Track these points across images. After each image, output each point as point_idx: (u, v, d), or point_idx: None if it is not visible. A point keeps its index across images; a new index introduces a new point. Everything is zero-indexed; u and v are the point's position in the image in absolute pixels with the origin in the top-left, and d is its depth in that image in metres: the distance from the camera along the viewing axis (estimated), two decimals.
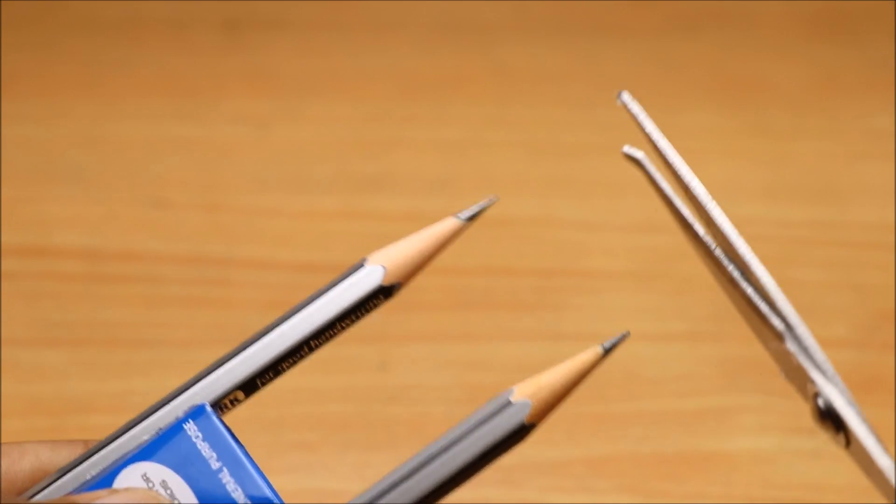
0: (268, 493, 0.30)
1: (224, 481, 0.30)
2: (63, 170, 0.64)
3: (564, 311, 0.58)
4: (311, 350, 0.32)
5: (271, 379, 0.32)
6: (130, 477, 0.30)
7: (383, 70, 0.70)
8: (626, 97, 0.34)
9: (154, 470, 0.30)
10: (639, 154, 0.34)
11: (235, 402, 0.32)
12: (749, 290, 0.32)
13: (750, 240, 0.66)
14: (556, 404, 0.31)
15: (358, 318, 0.32)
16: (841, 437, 0.30)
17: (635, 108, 0.34)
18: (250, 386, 0.32)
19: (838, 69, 0.70)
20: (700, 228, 0.34)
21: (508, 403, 0.30)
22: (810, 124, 0.67)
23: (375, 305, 0.32)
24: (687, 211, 0.34)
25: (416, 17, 0.73)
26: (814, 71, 0.70)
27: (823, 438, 0.53)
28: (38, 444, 0.31)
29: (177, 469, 0.30)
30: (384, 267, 0.32)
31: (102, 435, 0.31)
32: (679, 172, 0.33)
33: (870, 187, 0.63)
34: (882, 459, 0.28)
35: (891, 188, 0.63)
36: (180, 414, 0.31)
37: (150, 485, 0.30)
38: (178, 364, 0.56)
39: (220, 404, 0.31)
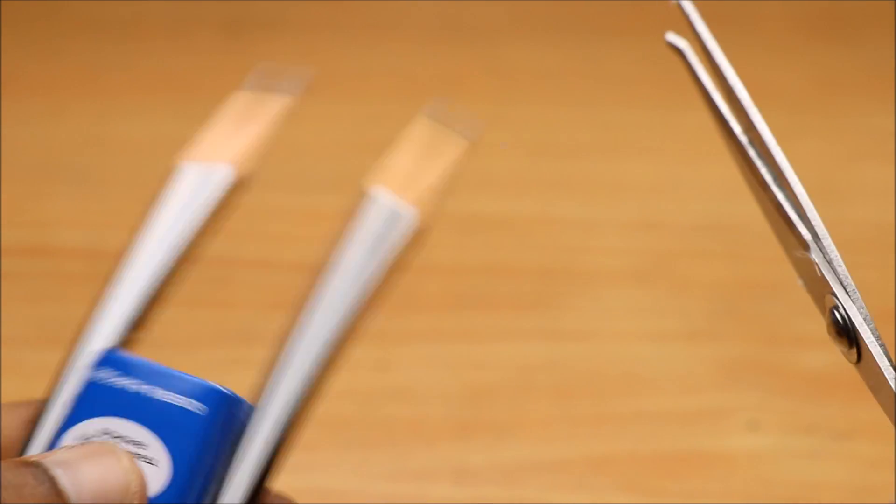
0: (207, 383, 0.29)
1: (163, 398, 0.29)
2: (63, 170, 0.64)
3: (564, 311, 0.58)
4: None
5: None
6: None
7: (383, 70, 0.70)
8: None
9: (91, 426, 0.30)
10: (681, 43, 0.34)
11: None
12: (780, 196, 0.32)
13: (750, 240, 0.66)
14: None
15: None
16: (853, 353, 0.30)
17: (689, 6, 0.33)
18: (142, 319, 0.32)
19: (838, 69, 0.70)
20: (737, 126, 0.33)
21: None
22: (810, 124, 0.67)
23: None
24: (726, 108, 0.34)
25: (416, 17, 0.73)
26: (814, 71, 0.70)
27: (822, 438, 0.53)
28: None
29: (113, 413, 0.30)
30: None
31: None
32: (723, 72, 0.33)
33: (869, 187, 0.63)
34: (893, 381, 0.29)
35: (890, 188, 0.63)
36: (87, 373, 0.30)
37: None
38: (179, 364, 0.55)
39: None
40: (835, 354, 0.60)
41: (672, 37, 0.34)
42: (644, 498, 0.51)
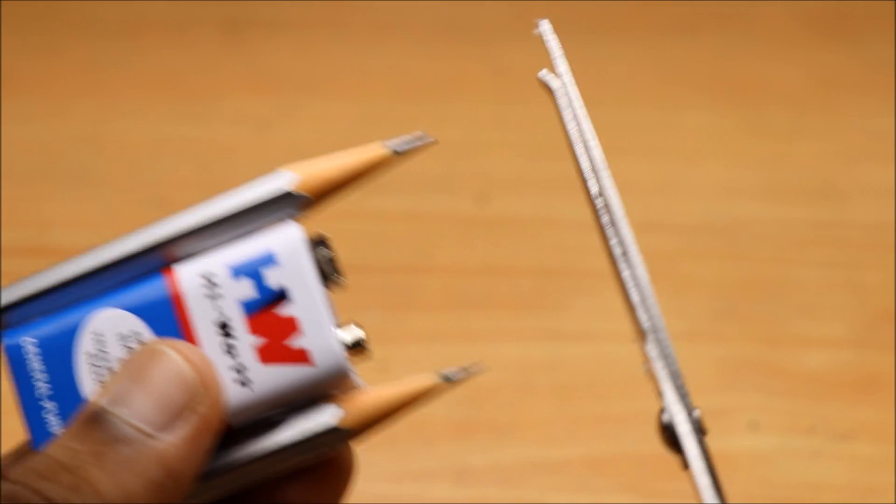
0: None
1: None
2: (63, 170, 0.64)
3: (564, 311, 0.58)
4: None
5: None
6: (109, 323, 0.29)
7: (383, 70, 0.70)
8: (546, 27, 0.31)
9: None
10: (555, 84, 0.30)
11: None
12: (625, 274, 0.29)
13: (750, 240, 0.66)
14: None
15: (259, 216, 0.30)
16: (680, 458, 0.28)
17: (553, 43, 0.30)
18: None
19: (838, 69, 0.70)
20: (594, 186, 0.30)
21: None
22: (810, 124, 0.67)
23: (279, 212, 0.30)
24: (587, 164, 0.31)
25: (416, 18, 0.73)
26: (814, 71, 0.70)
27: (822, 438, 0.53)
28: None
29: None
30: (298, 176, 0.31)
31: None
32: (581, 127, 0.30)
33: (869, 187, 0.63)
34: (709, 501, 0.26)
35: (890, 188, 0.63)
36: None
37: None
38: None
39: None
40: (835, 355, 0.60)
41: (546, 75, 0.30)
42: (644, 498, 0.51)
